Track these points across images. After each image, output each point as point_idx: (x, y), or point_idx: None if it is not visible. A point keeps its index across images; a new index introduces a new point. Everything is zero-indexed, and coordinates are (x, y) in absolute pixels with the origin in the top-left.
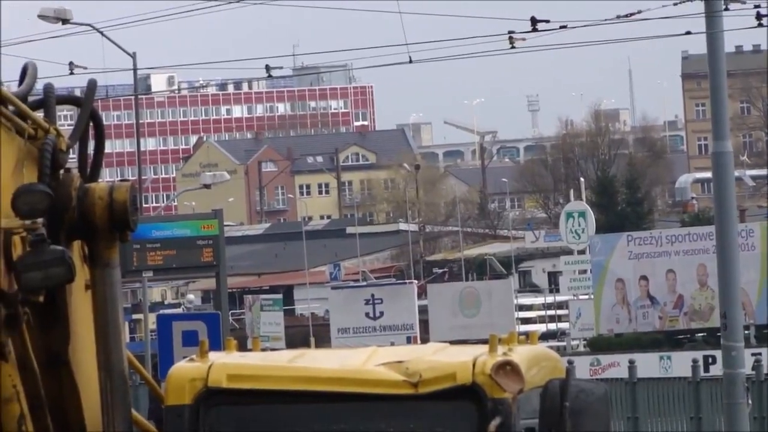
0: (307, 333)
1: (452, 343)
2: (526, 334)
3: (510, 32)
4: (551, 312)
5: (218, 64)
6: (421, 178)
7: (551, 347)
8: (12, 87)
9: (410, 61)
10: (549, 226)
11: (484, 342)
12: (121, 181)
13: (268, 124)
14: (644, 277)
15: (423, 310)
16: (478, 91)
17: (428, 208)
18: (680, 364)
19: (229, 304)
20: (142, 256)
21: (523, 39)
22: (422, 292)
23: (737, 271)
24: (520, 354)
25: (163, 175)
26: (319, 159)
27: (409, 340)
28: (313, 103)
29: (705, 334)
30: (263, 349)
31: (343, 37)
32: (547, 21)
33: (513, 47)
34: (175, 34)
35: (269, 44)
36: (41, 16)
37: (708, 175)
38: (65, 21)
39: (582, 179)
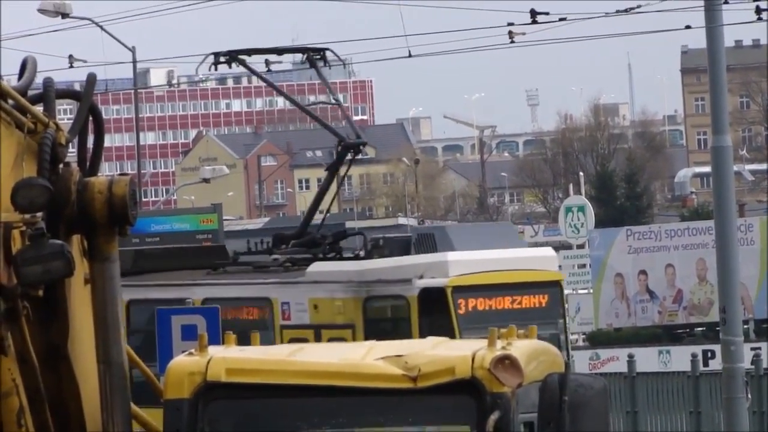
0: None
1: None
2: (524, 329)
3: (509, 24)
4: None
5: None
6: (420, 172)
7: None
8: (12, 81)
9: (409, 56)
10: (548, 220)
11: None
12: (120, 175)
13: (268, 118)
14: (643, 272)
15: None
16: (478, 86)
17: (427, 202)
18: (679, 358)
19: None
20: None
21: (523, 33)
22: None
23: (736, 265)
24: (519, 348)
25: (163, 170)
26: (319, 153)
27: None
28: (312, 98)
29: (704, 328)
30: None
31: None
32: (547, 13)
33: (512, 42)
34: (174, 28)
35: (269, 38)
36: (41, 11)
37: (707, 169)
38: (65, 15)
39: (581, 174)
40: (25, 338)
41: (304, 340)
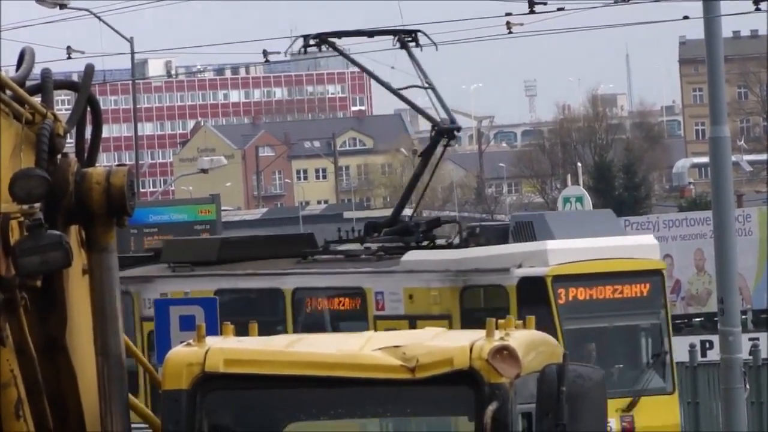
0: None
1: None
2: (524, 319)
3: (507, 14)
4: None
5: (215, 49)
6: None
7: None
8: (9, 72)
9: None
10: (546, 210)
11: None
12: (118, 165)
13: (266, 108)
14: None
15: None
16: (476, 76)
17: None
18: (678, 348)
19: None
20: (139, 240)
21: (521, 24)
22: None
23: (734, 256)
24: (517, 339)
25: (161, 160)
26: (317, 144)
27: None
28: (310, 88)
29: (702, 319)
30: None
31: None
32: (545, 3)
33: (510, 32)
34: (172, 19)
35: (266, 29)
36: (39, 1)
37: (705, 160)
38: (63, 6)
39: (579, 164)
40: (23, 329)
41: None
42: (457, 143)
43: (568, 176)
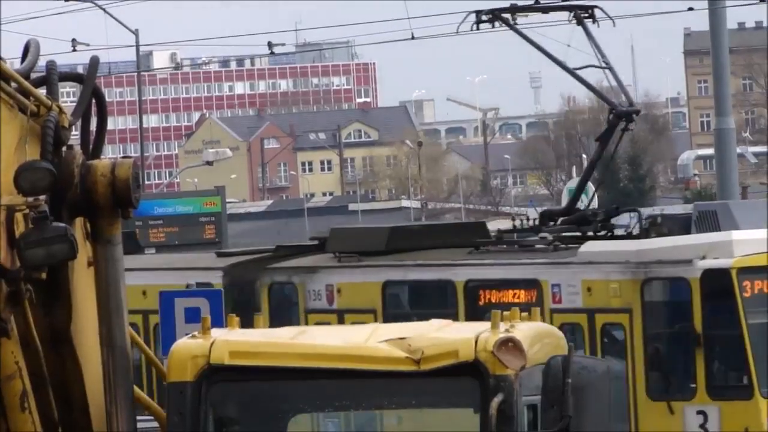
0: None
1: None
2: (528, 311)
3: (512, 5)
4: None
5: (220, 41)
6: (423, 154)
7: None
8: (15, 64)
9: (412, 38)
10: (551, 202)
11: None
12: (123, 158)
13: (271, 100)
14: None
15: None
16: (481, 68)
17: (430, 184)
18: None
19: None
20: (144, 233)
21: (526, 15)
22: None
23: None
24: (522, 331)
25: (166, 152)
26: (322, 136)
27: None
28: (315, 80)
29: None
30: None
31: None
32: None
33: (515, 23)
34: (177, 11)
35: (271, 21)
36: None
37: (710, 151)
38: None
39: (584, 156)
40: (29, 321)
41: (576, 326)
42: (462, 135)
43: (573, 168)
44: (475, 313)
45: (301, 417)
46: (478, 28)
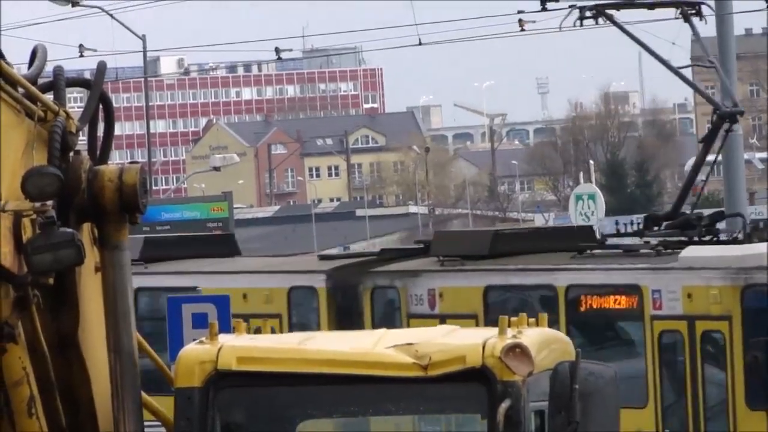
0: None
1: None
2: (536, 317)
3: (519, 12)
4: None
5: (228, 47)
6: (430, 160)
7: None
8: (22, 69)
9: (420, 44)
10: (558, 208)
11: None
12: (130, 163)
13: (278, 106)
14: None
15: None
16: (488, 74)
17: (438, 190)
18: None
19: None
20: None
21: (533, 21)
22: None
23: None
24: (529, 337)
25: (173, 158)
26: (329, 141)
27: None
28: (322, 86)
29: None
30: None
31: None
32: (557, 0)
33: (523, 30)
34: (184, 17)
35: (279, 26)
36: None
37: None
38: (75, 3)
39: (591, 162)
40: (36, 327)
41: (676, 333)
42: (469, 141)
43: (581, 174)
44: (576, 320)
45: (309, 423)
46: (581, 24)
